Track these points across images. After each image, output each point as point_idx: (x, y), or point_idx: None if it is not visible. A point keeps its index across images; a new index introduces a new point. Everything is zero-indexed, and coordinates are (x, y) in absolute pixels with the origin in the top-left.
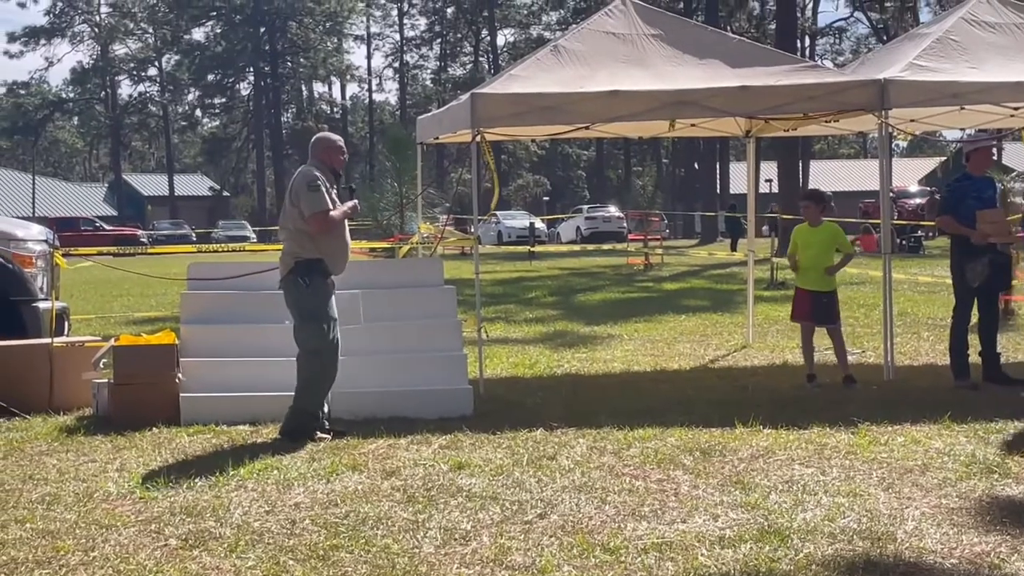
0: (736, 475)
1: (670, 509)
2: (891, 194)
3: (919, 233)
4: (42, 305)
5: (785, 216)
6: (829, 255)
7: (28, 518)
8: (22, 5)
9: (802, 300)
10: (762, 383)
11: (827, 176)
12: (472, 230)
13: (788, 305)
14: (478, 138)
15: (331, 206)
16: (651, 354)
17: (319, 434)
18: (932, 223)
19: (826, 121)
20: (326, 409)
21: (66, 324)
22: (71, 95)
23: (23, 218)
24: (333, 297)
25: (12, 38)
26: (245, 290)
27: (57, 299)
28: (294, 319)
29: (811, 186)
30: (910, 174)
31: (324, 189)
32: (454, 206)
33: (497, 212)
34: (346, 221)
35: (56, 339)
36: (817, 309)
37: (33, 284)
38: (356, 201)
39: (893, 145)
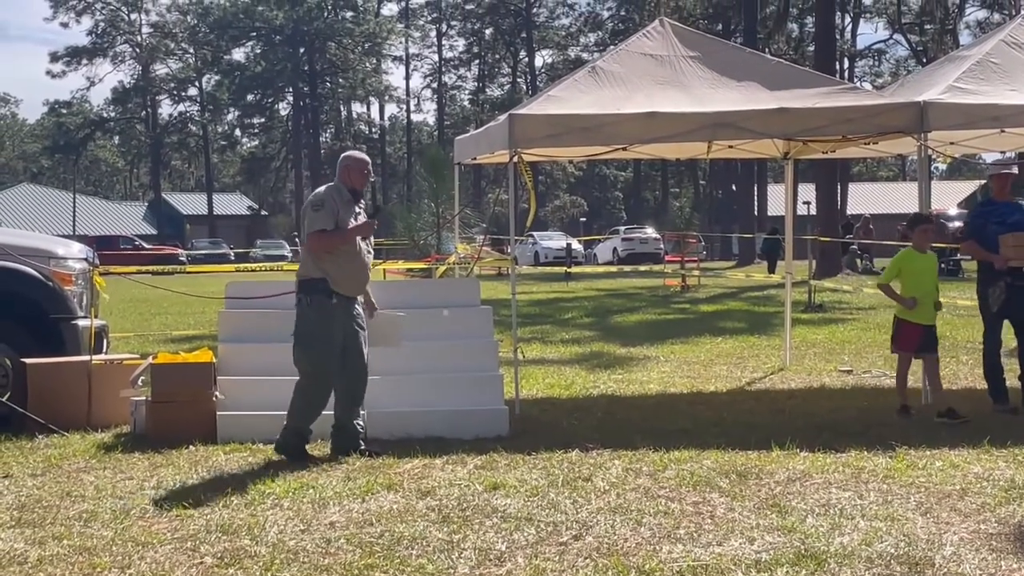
0: (772, 498)
1: (706, 532)
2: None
3: (958, 256)
4: (81, 323)
5: (823, 239)
6: (936, 284)
7: (66, 535)
8: (65, 25)
9: (911, 332)
10: (799, 406)
11: (865, 198)
12: (509, 250)
13: (826, 328)
14: (515, 159)
15: (330, 225)
16: (687, 376)
17: (307, 453)
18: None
19: (865, 143)
20: (361, 428)
21: (105, 342)
22: (112, 114)
23: (64, 236)
24: (348, 320)
25: (55, 58)
26: (282, 309)
27: (96, 317)
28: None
29: (849, 209)
30: (949, 197)
31: (328, 209)
32: (491, 227)
33: (534, 232)
34: (363, 241)
35: (95, 357)
36: (925, 341)
37: (73, 302)
38: (373, 220)
39: (932, 167)
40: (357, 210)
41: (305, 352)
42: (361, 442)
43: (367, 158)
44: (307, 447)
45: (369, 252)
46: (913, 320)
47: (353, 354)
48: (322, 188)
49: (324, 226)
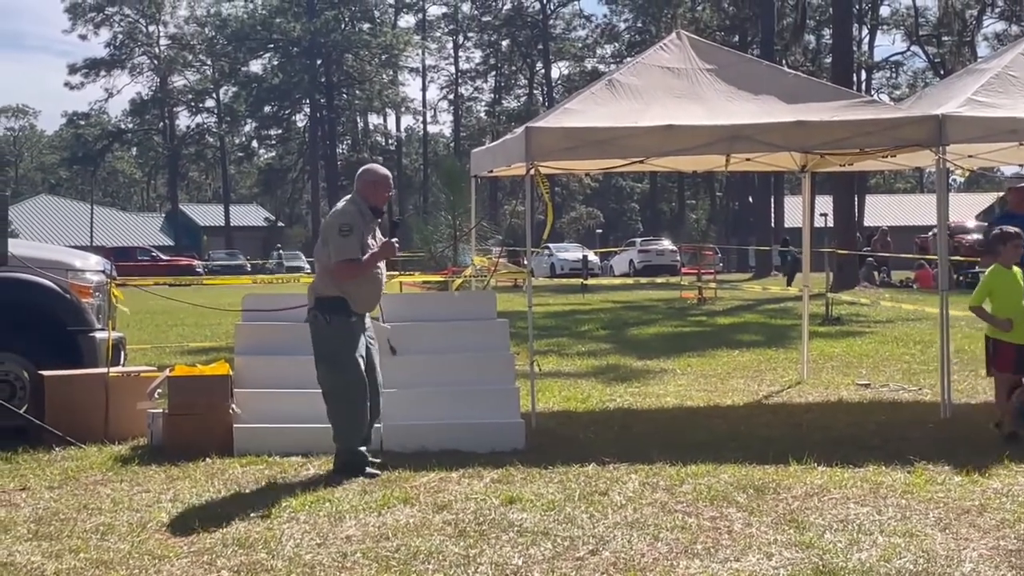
0: (790, 513)
1: (723, 547)
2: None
3: (976, 269)
4: (99, 335)
5: (841, 252)
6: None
7: (82, 547)
8: (83, 37)
9: (1008, 352)
10: (817, 420)
11: (883, 211)
12: (525, 263)
13: (844, 341)
14: (532, 171)
15: (360, 254)
16: (704, 389)
17: (369, 469)
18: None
19: (883, 156)
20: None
21: (122, 354)
22: (130, 126)
23: (81, 247)
24: (363, 335)
25: (73, 70)
26: (299, 321)
27: (113, 329)
28: (314, 355)
29: (867, 221)
30: (967, 209)
31: (357, 234)
32: (507, 239)
33: (550, 245)
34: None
35: (112, 369)
36: (1021, 360)
37: (90, 314)
38: (395, 240)
39: (950, 180)
40: (376, 227)
41: (336, 373)
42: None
43: (389, 173)
44: (368, 460)
45: (381, 269)
46: (1009, 340)
47: (371, 371)
48: (346, 205)
49: (354, 256)
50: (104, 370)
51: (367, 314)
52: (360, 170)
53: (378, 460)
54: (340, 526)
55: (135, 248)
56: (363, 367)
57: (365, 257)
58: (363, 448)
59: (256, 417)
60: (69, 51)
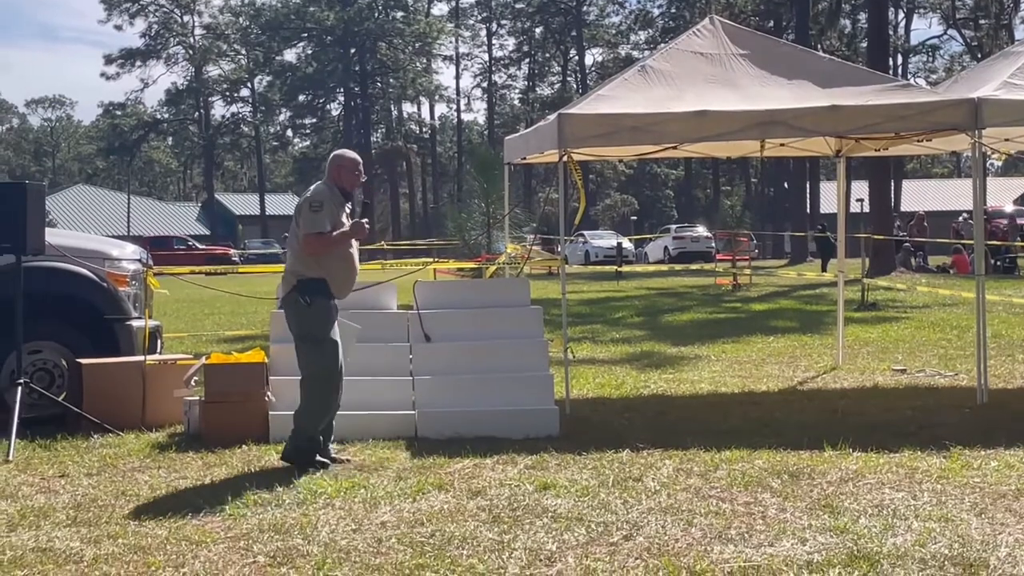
0: (825, 498)
1: (757, 532)
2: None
3: (1013, 254)
4: (135, 323)
5: (877, 237)
6: None
7: (120, 533)
8: (118, 28)
9: None
10: (852, 406)
11: (919, 195)
12: (559, 250)
13: (879, 327)
14: (565, 158)
15: (327, 229)
16: (739, 375)
17: (319, 458)
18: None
19: (918, 140)
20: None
21: (159, 342)
22: (166, 116)
23: (118, 237)
24: (336, 322)
25: (109, 60)
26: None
27: (150, 317)
28: (294, 340)
29: (903, 206)
30: (1005, 193)
31: (327, 210)
32: (541, 226)
33: (584, 232)
34: (355, 244)
35: (149, 357)
36: None
37: (127, 303)
38: (364, 220)
39: (987, 164)
40: (348, 211)
41: (317, 354)
42: (330, 447)
43: (359, 158)
44: (317, 449)
45: (355, 254)
46: None
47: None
48: (319, 185)
49: (322, 229)
50: (141, 358)
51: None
52: (331, 155)
53: (336, 454)
54: (375, 512)
55: (171, 237)
56: (339, 353)
57: (335, 232)
58: (320, 436)
59: (291, 404)
60: (104, 42)
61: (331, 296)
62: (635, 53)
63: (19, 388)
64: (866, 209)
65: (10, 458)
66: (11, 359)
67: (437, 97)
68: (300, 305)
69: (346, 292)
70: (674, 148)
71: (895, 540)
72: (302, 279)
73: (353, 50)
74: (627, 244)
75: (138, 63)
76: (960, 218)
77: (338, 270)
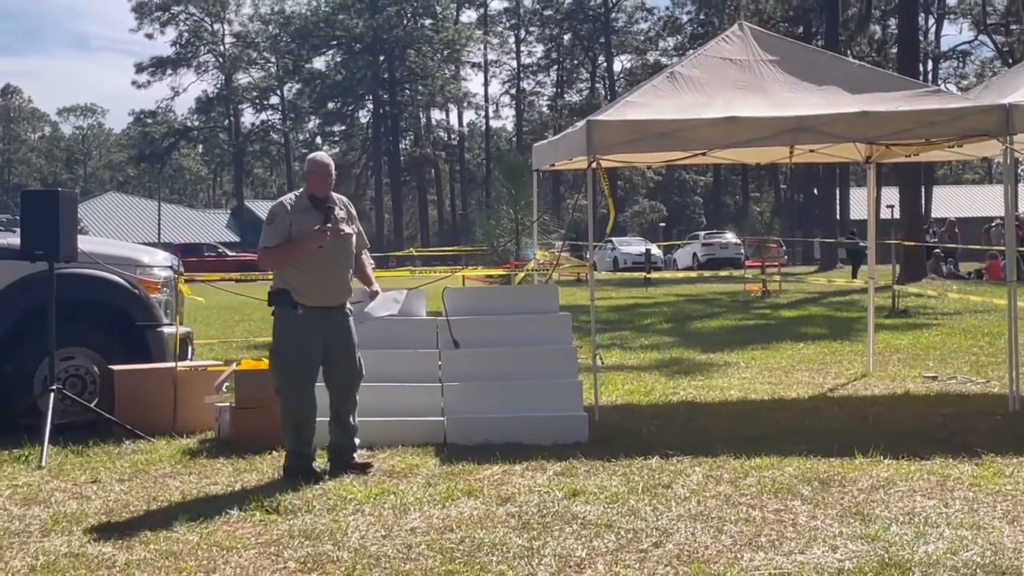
0: (856, 506)
1: (787, 540)
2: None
3: None
4: (167, 330)
5: (907, 243)
6: None
7: (152, 539)
8: (149, 36)
9: None
10: (883, 413)
11: (950, 201)
12: (588, 256)
13: (910, 333)
14: (594, 165)
15: (274, 243)
16: (768, 382)
17: (315, 472)
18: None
19: (949, 146)
20: (357, 442)
21: (190, 349)
22: (196, 124)
23: (149, 244)
24: (316, 331)
25: (140, 69)
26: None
27: (181, 324)
28: None
29: (934, 212)
30: None
31: (278, 224)
32: (569, 232)
33: (613, 238)
34: (333, 248)
35: (180, 363)
36: None
37: (158, 309)
38: (323, 227)
39: (1019, 170)
40: (336, 217)
41: (276, 367)
42: (354, 456)
43: (327, 162)
44: (314, 464)
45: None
46: None
47: (338, 368)
48: (293, 193)
49: (267, 243)
50: (172, 364)
51: (338, 308)
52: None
53: (362, 459)
54: (405, 518)
55: (202, 244)
56: (311, 364)
57: (277, 244)
58: (307, 451)
59: (320, 410)
60: (135, 50)
61: (295, 306)
62: (663, 60)
63: (52, 394)
64: (896, 215)
65: (43, 464)
66: (44, 365)
67: (465, 104)
68: (273, 316)
69: (325, 299)
70: (703, 154)
71: (927, 548)
72: (270, 291)
73: (382, 57)
74: (656, 251)
75: (169, 71)
76: (993, 224)
77: (299, 279)
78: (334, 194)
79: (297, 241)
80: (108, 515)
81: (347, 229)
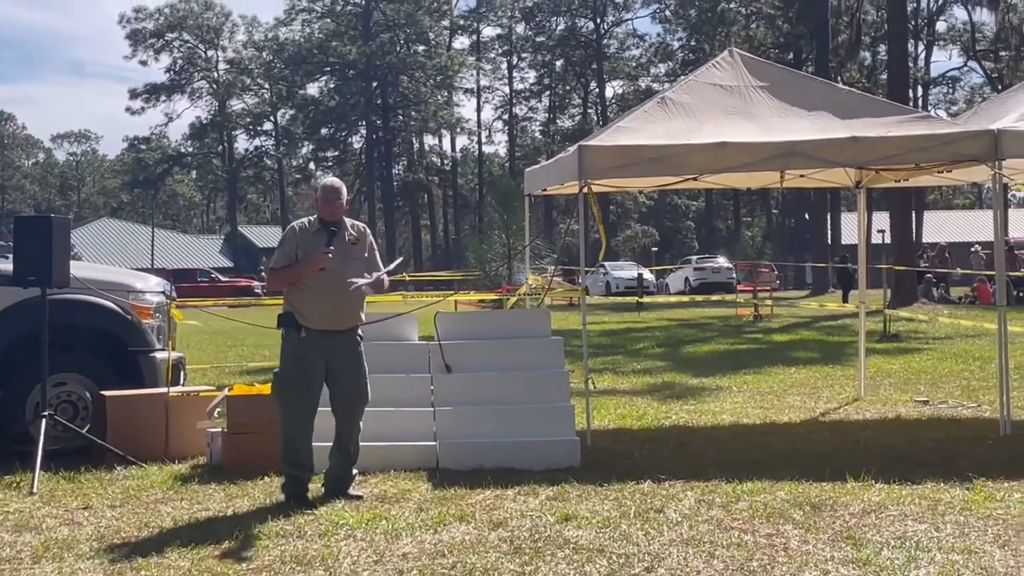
0: (847, 530)
1: (779, 564)
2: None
3: None
4: (159, 355)
5: (898, 268)
6: None
7: (143, 565)
8: (144, 63)
9: None
10: (874, 437)
11: (941, 226)
12: (580, 281)
13: (902, 358)
14: (585, 190)
15: (277, 264)
16: (760, 406)
17: (306, 499)
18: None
19: (939, 172)
20: (354, 473)
21: (182, 374)
22: (189, 149)
23: (142, 269)
24: (318, 355)
25: (134, 95)
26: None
27: (173, 349)
28: None
29: (924, 237)
30: None
31: (286, 246)
32: (562, 257)
33: (605, 263)
34: (338, 272)
35: (172, 389)
36: None
37: (151, 335)
38: (326, 250)
39: (1009, 195)
40: (347, 241)
41: (276, 389)
42: (351, 486)
43: (337, 185)
44: (307, 492)
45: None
46: None
47: (342, 393)
48: (302, 219)
49: (274, 264)
50: (164, 390)
51: (344, 333)
52: None
53: (354, 490)
54: (396, 543)
55: (195, 270)
56: (310, 388)
57: (281, 265)
58: (302, 475)
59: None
60: (129, 77)
61: (299, 328)
62: (655, 85)
63: (43, 420)
64: (888, 240)
65: (34, 490)
66: (36, 391)
67: (458, 130)
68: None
69: (326, 323)
70: (694, 179)
71: (918, 572)
72: (279, 313)
73: (375, 84)
74: (648, 275)
75: (163, 97)
76: (972, 249)
77: (301, 302)
78: (349, 220)
79: (301, 263)
80: (100, 541)
81: (357, 254)
